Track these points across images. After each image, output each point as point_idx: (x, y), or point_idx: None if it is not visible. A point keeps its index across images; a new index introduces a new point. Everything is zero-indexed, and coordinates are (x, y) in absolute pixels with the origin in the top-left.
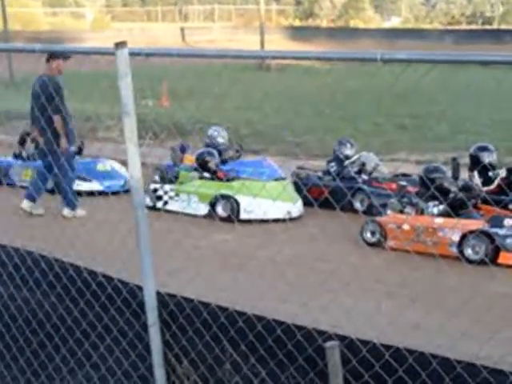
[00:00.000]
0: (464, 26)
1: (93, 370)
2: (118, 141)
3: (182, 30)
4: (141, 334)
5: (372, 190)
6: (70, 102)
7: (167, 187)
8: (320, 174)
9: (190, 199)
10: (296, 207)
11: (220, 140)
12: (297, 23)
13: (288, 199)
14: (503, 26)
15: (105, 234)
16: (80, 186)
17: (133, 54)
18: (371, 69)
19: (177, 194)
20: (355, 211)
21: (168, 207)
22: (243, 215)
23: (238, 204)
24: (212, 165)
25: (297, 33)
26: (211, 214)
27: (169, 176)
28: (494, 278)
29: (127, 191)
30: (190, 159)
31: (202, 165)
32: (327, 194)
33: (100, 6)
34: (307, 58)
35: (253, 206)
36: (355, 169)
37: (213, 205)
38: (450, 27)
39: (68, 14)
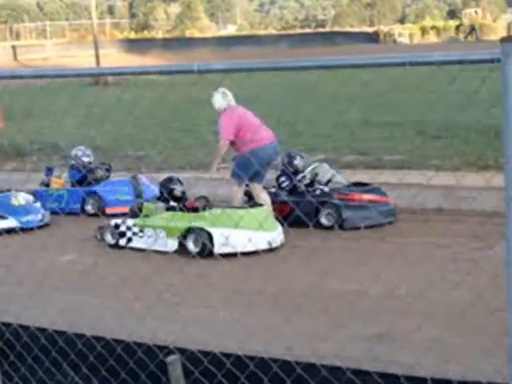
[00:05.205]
0: (298, 30)
1: None
2: None
3: (14, 48)
4: None
5: (339, 202)
6: None
7: (130, 222)
8: (273, 190)
9: (156, 234)
10: (278, 236)
11: (86, 159)
12: (132, 35)
13: (269, 228)
14: (336, 29)
15: None
16: None
17: None
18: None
19: (141, 230)
20: (321, 227)
21: (132, 244)
22: (219, 249)
23: (210, 237)
24: (178, 192)
25: (132, 45)
26: (182, 250)
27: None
28: None
29: (41, 227)
30: (57, 182)
31: (167, 193)
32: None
33: None
34: (124, 74)
35: (228, 239)
36: (307, 181)
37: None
38: (284, 32)
39: None
